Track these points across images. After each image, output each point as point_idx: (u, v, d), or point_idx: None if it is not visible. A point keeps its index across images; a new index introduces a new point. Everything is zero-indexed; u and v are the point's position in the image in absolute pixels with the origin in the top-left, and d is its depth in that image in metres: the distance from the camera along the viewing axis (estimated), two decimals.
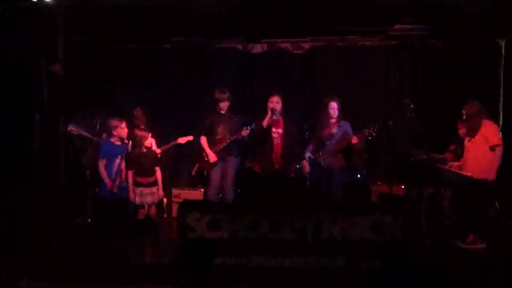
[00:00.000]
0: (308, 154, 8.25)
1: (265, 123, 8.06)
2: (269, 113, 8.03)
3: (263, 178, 8.21)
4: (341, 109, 8.14)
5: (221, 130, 8.25)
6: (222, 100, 8.17)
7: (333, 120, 8.15)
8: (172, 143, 8.45)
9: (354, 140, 7.81)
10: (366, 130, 7.78)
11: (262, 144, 8.19)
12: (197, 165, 8.63)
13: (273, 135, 8.17)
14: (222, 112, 8.30)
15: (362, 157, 9.48)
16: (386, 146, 9.67)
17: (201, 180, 9.32)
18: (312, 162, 8.11)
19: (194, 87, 10.38)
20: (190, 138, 8.38)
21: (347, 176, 8.34)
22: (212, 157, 8.14)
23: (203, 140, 8.29)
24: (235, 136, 8.05)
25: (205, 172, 8.58)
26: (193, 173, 8.86)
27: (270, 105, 8.08)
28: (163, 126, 9.12)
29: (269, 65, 10.38)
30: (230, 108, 8.35)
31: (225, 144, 8.19)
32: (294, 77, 10.36)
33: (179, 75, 10.50)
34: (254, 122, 8.07)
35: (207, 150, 8.17)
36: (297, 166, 8.62)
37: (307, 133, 9.05)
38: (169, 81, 10.49)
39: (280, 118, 8.19)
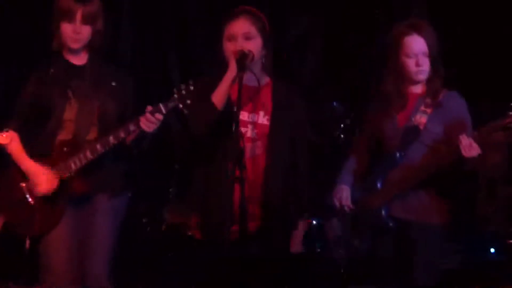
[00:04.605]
0: (343, 189, 3.92)
1: (218, 96, 3.47)
2: (232, 68, 3.43)
3: (214, 257, 3.62)
4: (440, 62, 3.79)
5: (72, 116, 3.76)
6: (71, 15, 3.59)
7: (417, 90, 3.80)
8: None
9: (465, 148, 3.51)
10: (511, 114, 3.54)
11: (209, 157, 3.57)
12: (2, 217, 4.13)
13: (244, 132, 3.55)
14: (77, 61, 3.74)
15: (499, 196, 5.35)
16: None
17: (21, 258, 4.62)
18: (356, 209, 3.91)
19: None
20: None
21: (458, 250, 4.70)
22: (42, 181, 3.71)
23: (13, 140, 3.87)
24: (118, 135, 3.64)
25: (27, 237, 4.01)
26: None
27: (228, 45, 3.51)
28: None
29: None
30: (101, 50, 3.77)
31: (86, 157, 3.71)
32: None
33: None
34: (179, 89, 3.44)
35: (28, 164, 3.75)
36: (313, 222, 4.76)
37: (342, 125, 5.16)
38: None
39: (265, 83, 3.61)
